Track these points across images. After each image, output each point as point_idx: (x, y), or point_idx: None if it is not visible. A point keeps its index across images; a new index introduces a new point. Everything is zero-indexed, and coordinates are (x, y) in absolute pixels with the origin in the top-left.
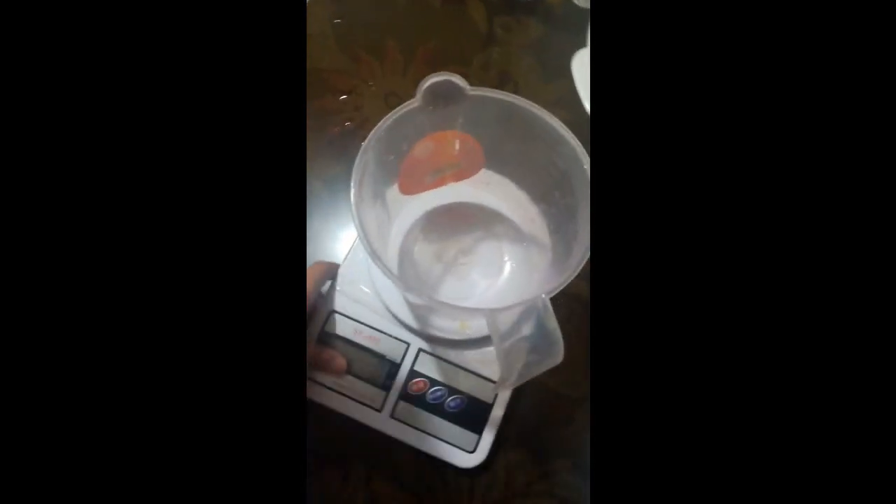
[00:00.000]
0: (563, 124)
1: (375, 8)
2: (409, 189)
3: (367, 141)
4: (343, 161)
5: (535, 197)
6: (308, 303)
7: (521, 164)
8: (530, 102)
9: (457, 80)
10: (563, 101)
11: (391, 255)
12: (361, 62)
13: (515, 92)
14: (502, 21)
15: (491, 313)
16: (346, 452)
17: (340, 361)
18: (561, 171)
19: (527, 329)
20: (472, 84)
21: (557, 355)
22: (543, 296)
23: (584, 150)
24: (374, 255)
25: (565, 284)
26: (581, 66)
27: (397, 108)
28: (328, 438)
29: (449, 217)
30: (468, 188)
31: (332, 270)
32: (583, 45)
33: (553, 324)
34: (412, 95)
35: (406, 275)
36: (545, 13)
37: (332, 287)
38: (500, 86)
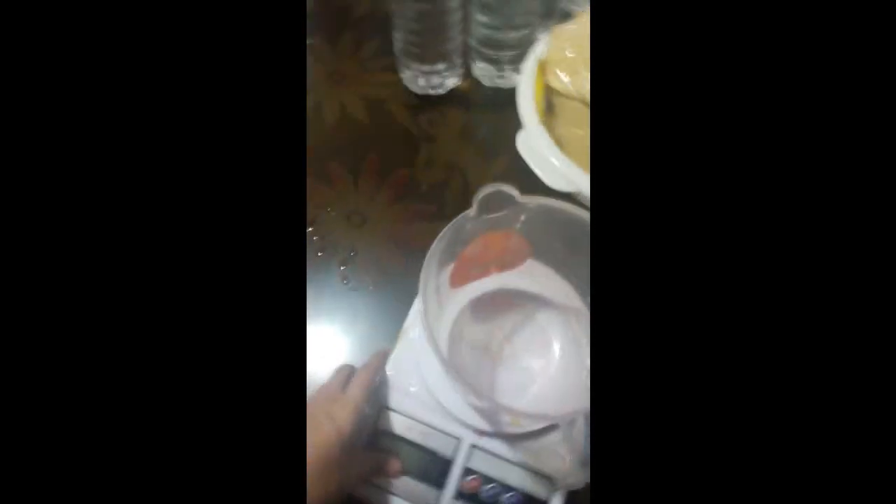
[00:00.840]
0: None
1: (310, 134)
2: (457, 282)
3: (430, 251)
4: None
5: (584, 286)
6: (365, 393)
7: (565, 256)
8: (572, 205)
9: (506, 189)
10: (510, 174)
11: (442, 348)
12: (313, 191)
13: (463, 178)
14: (427, 118)
15: (568, 425)
16: None
17: (395, 464)
18: None
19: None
20: (420, 180)
21: None
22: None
23: None
24: (447, 364)
25: None
26: (526, 146)
27: (455, 219)
28: None
29: (491, 304)
30: (510, 277)
31: (385, 358)
32: (513, 121)
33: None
34: (374, 211)
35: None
36: (462, 100)
37: (383, 382)
38: (447, 176)
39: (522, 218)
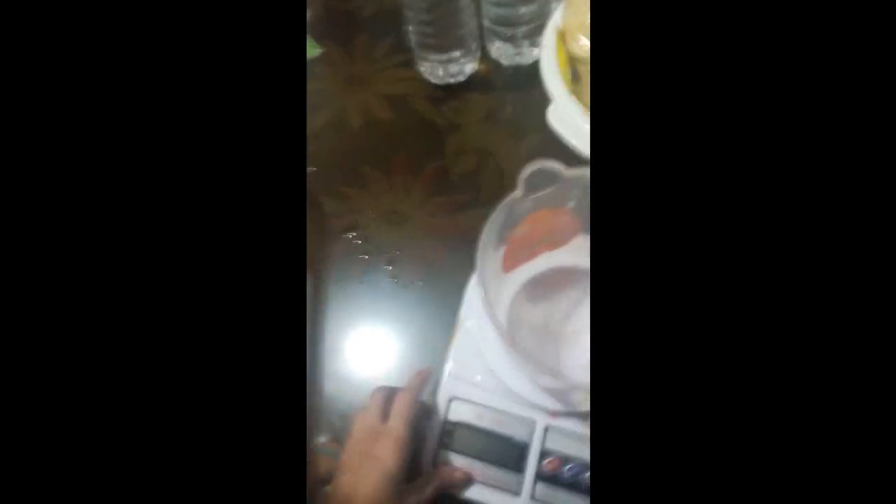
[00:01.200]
0: None
1: (338, 141)
2: (509, 266)
3: (482, 237)
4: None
5: None
6: (407, 422)
7: None
8: None
9: (550, 164)
10: (544, 151)
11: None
12: (349, 198)
13: (495, 162)
14: (450, 107)
15: None
16: None
17: (461, 474)
18: None
19: None
20: (452, 170)
21: None
22: None
23: None
24: (514, 347)
25: None
26: (558, 119)
27: (503, 202)
28: None
29: (545, 286)
30: (561, 254)
31: (427, 378)
32: (537, 97)
33: None
34: (412, 207)
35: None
36: (483, 84)
37: (436, 390)
38: (479, 163)
39: (569, 193)
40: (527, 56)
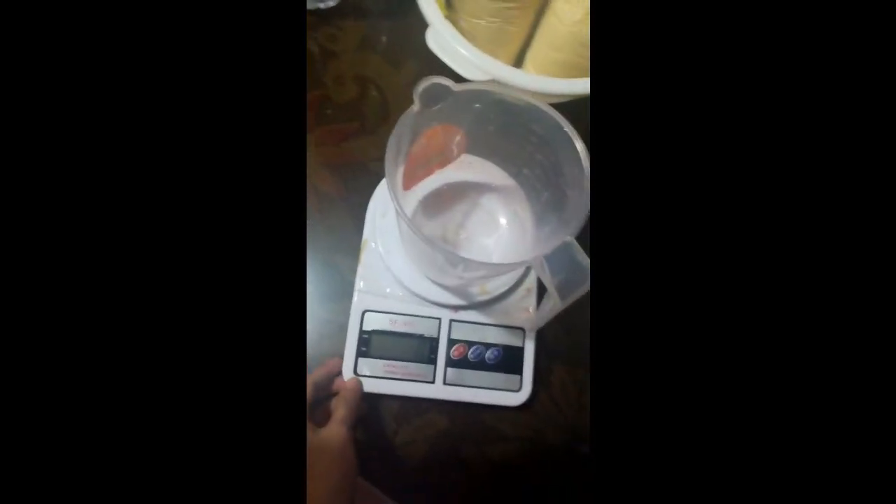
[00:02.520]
0: (534, 98)
1: None
2: (408, 185)
3: (387, 154)
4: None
5: (512, 167)
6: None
7: (498, 141)
8: (508, 88)
9: (441, 80)
10: (423, 76)
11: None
12: None
13: (377, 88)
14: (324, 34)
15: (539, 259)
16: (411, 430)
17: (334, 363)
18: (539, 137)
19: (559, 265)
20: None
21: (587, 281)
22: (568, 237)
23: (563, 118)
24: (432, 241)
25: (583, 224)
26: (436, 43)
27: (401, 117)
28: (389, 425)
29: (440, 200)
30: (451, 171)
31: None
32: (412, 24)
33: (583, 256)
34: None
35: (418, 256)
36: (355, 11)
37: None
38: (361, 90)
39: (458, 108)
40: None
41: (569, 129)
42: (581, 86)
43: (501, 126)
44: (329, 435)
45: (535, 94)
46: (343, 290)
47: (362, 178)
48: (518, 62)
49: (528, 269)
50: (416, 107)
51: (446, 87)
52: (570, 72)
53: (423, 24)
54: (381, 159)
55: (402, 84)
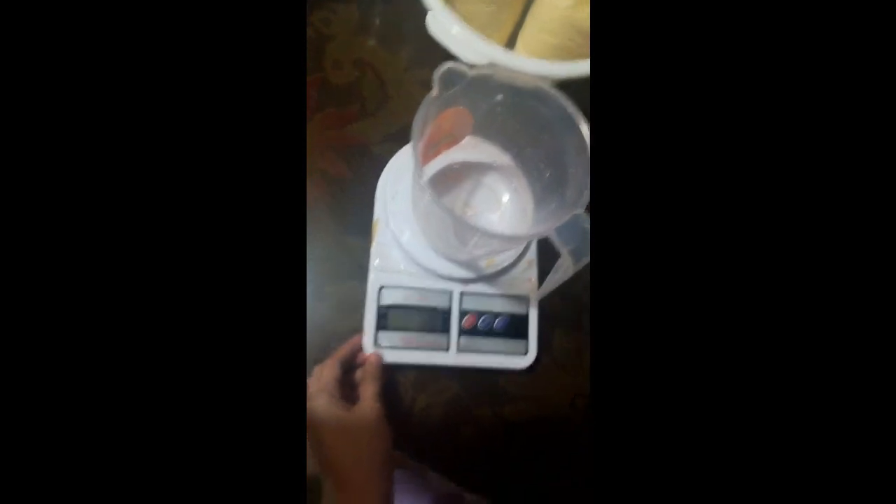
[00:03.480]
0: (549, 83)
1: None
2: (422, 164)
3: (412, 138)
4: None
5: (514, 147)
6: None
7: (503, 123)
8: (521, 73)
9: (457, 66)
10: (421, 59)
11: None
12: None
13: (374, 72)
14: (319, 17)
15: (555, 231)
16: (427, 396)
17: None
18: (545, 118)
19: (571, 235)
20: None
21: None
22: (579, 210)
23: (567, 99)
24: (453, 214)
25: (587, 201)
26: (437, 27)
27: (423, 101)
28: (406, 392)
29: (446, 179)
30: (456, 152)
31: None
32: (406, 8)
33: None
34: None
35: (431, 233)
36: None
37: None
38: (360, 73)
39: (467, 92)
40: None
41: (573, 111)
42: (577, 68)
43: (508, 108)
44: (364, 413)
45: (532, 76)
46: (356, 270)
47: (367, 160)
48: (509, 46)
49: (529, 243)
50: (434, 91)
51: (462, 72)
52: (563, 55)
53: (415, 8)
54: (384, 142)
55: (399, 67)
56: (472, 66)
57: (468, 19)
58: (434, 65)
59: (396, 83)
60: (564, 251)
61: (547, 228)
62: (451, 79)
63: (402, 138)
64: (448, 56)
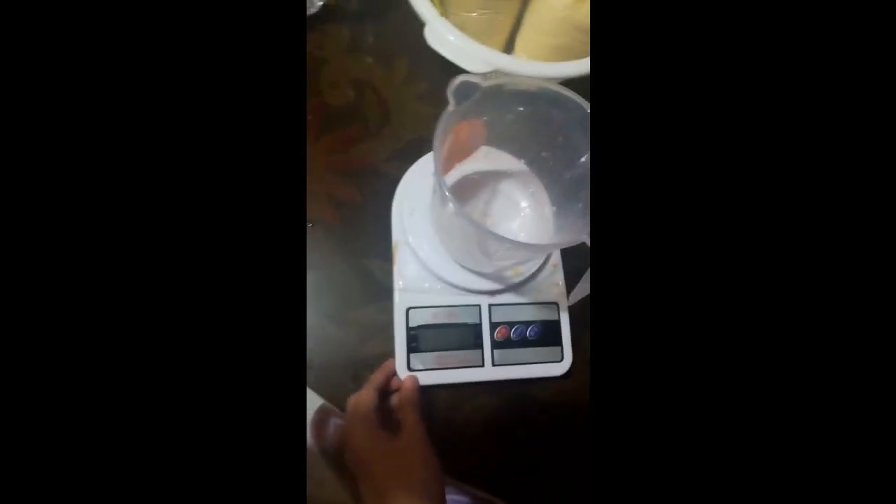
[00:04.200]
0: (561, 86)
1: None
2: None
3: (433, 152)
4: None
5: (528, 152)
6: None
7: (516, 129)
8: (532, 78)
9: (471, 78)
10: (419, 73)
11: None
12: None
13: (373, 90)
14: (312, 41)
15: (587, 235)
16: (463, 414)
17: (387, 365)
18: (559, 120)
19: None
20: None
21: None
22: None
23: (583, 99)
24: (478, 224)
25: None
26: (436, 39)
27: (441, 116)
28: (449, 415)
29: (461, 191)
30: (470, 163)
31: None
32: (397, 23)
33: None
34: None
35: (455, 247)
36: (338, 15)
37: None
38: (357, 93)
39: (481, 104)
40: None
41: (589, 110)
42: (580, 66)
43: (520, 115)
44: (410, 441)
45: (538, 78)
46: (378, 292)
47: (376, 180)
48: (507, 50)
49: None
50: (451, 105)
51: (475, 84)
52: (565, 55)
53: (408, 22)
54: (391, 159)
55: (397, 82)
56: (484, 77)
57: (463, 27)
58: (432, 76)
59: (396, 99)
60: (559, 282)
61: (579, 234)
62: (465, 91)
63: (409, 154)
64: (446, 66)
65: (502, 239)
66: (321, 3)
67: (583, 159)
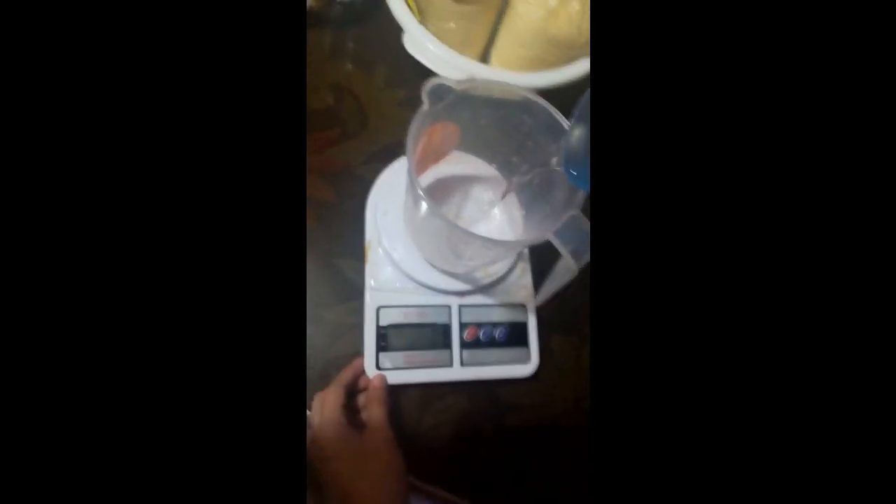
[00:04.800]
0: (533, 93)
1: None
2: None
3: (407, 151)
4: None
5: (499, 157)
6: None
7: (488, 134)
8: (505, 85)
9: (444, 80)
10: (397, 79)
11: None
12: None
13: (352, 94)
14: None
15: (554, 234)
16: (433, 414)
17: (357, 361)
18: (530, 126)
19: (570, 235)
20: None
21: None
22: (575, 211)
23: (552, 106)
24: (455, 225)
25: (581, 201)
26: (414, 47)
27: (415, 116)
28: (413, 413)
29: (434, 194)
30: (443, 167)
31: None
32: (377, 30)
33: (587, 226)
34: None
35: (427, 248)
36: (318, 20)
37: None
38: (336, 97)
39: (455, 107)
40: None
41: (559, 117)
42: (552, 77)
43: (493, 120)
44: (375, 439)
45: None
46: (350, 292)
47: (351, 181)
48: (483, 60)
49: (522, 251)
50: (425, 105)
51: (448, 87)
52: (538, 66)
53: (388, 29)
54: (367, 162)
55: (376, 88)
56: (458, 81)
57: (441, 36)
58: (410, 83)
59: (374, 104)
60: (566, 252)
61: (546, 232)
62: (439, 93)
63: (385, 158)
64: (424, 73)
65: (472, 235)
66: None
67: (553, 163)
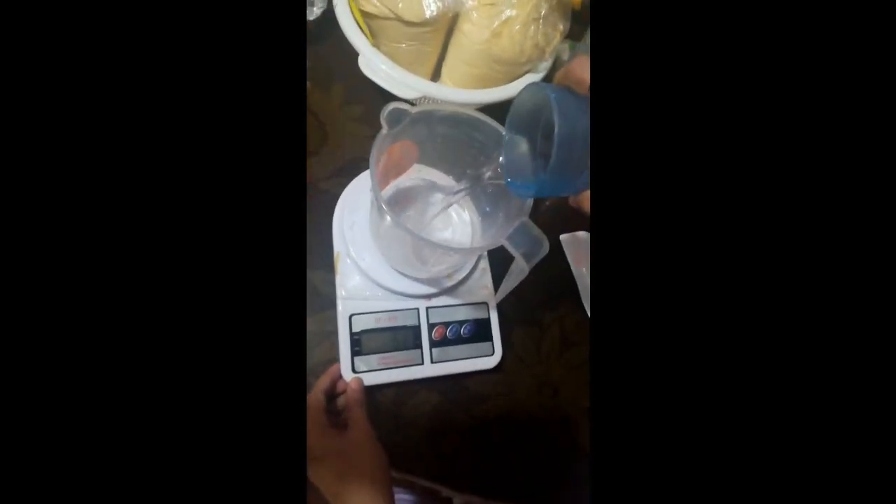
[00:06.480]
0: (479, 112)
1: None
2: None
3: (370, 172)
4: None
5: (457, 169)
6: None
7: (445, 150)
8: (455, 106)
9: (401, 105)
10: (355, 97)
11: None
12: None
13: (311, 112)
14: None
15: (506, 240)
16: (409, 409)
17: (334, 368)
18: (481, 142)
19: (521, 240)
20: None
21: (545, 247)
22: (524, 218)
23: (498, 123)
24: (420, 237)
25: (530, 209)
26: (369, 68)
27: (376, 139)
28: (390, 412)
29: (396, 205)
30: (404, 180)
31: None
32: (333, 50)
33: (536, 231)
34: None
35: (394, 256)
36: None
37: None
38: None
39: (411, 127)
40: (311, 12)
41: (503, 131)
42: (497, 93)
43: (447, 137)
44: (358, 438)
45: (461, 104)
46: (322, 302)
47: (315, 196)
48: (434, 77)
49: (481, 255)
50: (384, 129)
51: (405, 110)
52: (485, 83)
53: (343, 50)
54: (330, 177)
55: (335, 106)
56: (413, 104)
57: (393, 58)
58: (367, 101)
59: (333, 121)
60: (518, 255)
61: (499, 238)
62: (396, 116)
63: (347, 173)
64: (379, 91)
65: (434, 244)
66: None
67: (486, 176)
